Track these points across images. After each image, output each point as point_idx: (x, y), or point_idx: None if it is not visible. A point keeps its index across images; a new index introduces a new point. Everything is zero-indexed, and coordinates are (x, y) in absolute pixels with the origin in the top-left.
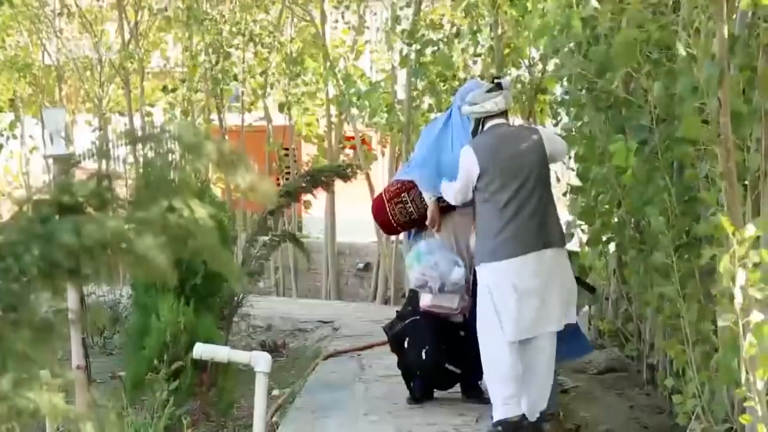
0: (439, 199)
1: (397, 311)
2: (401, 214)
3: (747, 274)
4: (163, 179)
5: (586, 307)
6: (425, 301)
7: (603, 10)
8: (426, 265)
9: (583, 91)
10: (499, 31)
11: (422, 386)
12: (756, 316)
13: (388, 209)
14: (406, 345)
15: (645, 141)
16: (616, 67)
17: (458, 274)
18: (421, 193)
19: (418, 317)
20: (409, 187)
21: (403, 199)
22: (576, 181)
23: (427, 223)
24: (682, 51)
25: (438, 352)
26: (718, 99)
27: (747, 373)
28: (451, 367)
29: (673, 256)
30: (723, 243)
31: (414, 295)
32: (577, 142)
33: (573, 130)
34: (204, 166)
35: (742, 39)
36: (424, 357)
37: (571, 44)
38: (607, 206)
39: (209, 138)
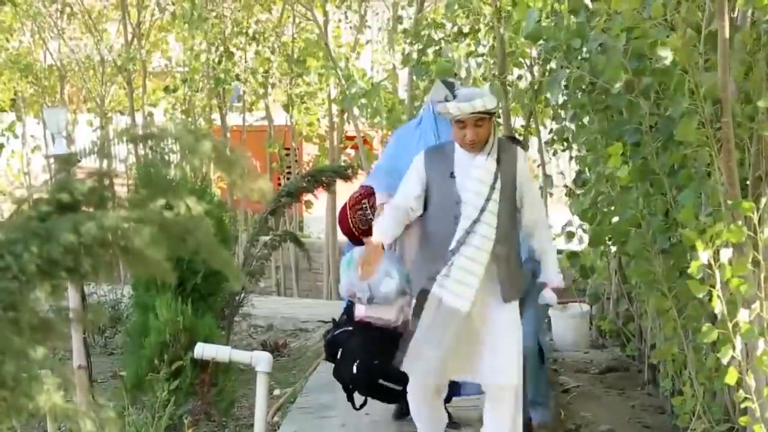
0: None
1: (333, 319)
2: (361, 221)
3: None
4: (161, 177)
5: (587, 307)
6: (359, 311)
7: (597, 7)
8: (356, 273)
9: (580, 93)
10: (501, 30)
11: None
12: (743, 316)
13: (349, 217)
14: (339, 356)
15: (638, 143)
16: (614, 74)
17: (388, 286)
18: None
19: (351, 328)
20: (370, 192)
21: (363, 206)
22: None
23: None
24: (668, 55)
25: (370, 367)
26: (718, 101)
27: (743, 374)
28: (388, 384)
29: (654, 260)
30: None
31: (352, 304)
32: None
33: (572, 131)
34: (202, 164)
35: (739, 38)
36: (355, 371)
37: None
38: (612, 207)
39: (207, 137)
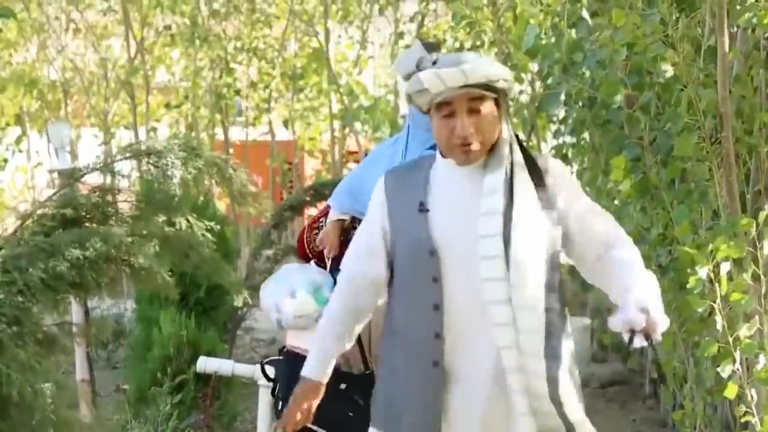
0: (353, 220)
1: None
2: (315, 241)
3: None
4: (163, 193)
5: (589, 321)
6: (287, 337)
7: (596, 23)
8: (268, 290)
9: (579, 107)
10: (504, 48)
11: None
12: (743, 331)
13: (305, 238)
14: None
15: (638, 158)
16: (611, 90)
17: (287, 306)
18: None
19: (279, 355)
20: (328, 211)
21: (320, 225)
22: None
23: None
24: (668, 70)
25: (282, 400)
26: (719, 115)
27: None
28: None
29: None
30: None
31: None
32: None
33: (572, 146)
34: (204, 180)
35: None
36: (274, 401)
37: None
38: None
39: (209, 153)
